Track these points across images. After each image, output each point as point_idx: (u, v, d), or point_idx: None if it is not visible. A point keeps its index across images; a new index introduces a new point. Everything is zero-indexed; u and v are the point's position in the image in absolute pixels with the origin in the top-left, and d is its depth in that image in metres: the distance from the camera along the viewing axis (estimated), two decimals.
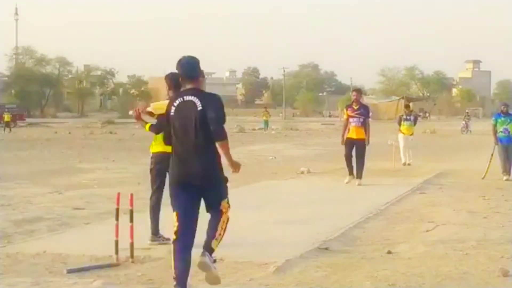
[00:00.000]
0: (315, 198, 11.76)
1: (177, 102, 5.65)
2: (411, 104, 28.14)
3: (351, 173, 13.63)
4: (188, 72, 5.71)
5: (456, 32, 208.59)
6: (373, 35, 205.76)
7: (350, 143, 13.61)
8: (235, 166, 5.80)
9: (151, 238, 7.77)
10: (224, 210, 5.66)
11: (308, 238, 7.88)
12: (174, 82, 6.67)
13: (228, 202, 5.70)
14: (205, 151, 5.54)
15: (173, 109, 5.65)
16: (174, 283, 5.59)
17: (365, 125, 13.63)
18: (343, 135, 13.78)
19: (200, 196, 5.63)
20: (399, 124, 19.44)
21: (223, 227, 5.67)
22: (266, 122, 46.41)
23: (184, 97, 5.63)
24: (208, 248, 5.67)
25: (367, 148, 13.67)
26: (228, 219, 5.71)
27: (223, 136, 5.52)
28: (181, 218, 5.60)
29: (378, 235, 8.33)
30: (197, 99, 5.55)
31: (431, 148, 26.58)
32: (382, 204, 10.87)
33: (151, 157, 7.71)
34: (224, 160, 5.63)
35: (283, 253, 6.98)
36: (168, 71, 7.52)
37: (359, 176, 13.51)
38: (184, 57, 5.78)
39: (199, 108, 5.51)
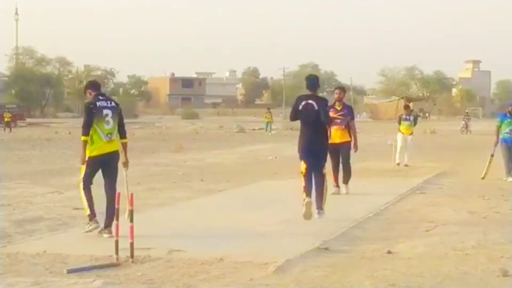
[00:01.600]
0: (315, 198, 11.74)
1: (303, 103, 9.38)
2: (410, 104, 28.04)
3: (338, 185, 12.12)
4: (312, 85, 9.61)
5: (456, 32, 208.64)
6: (373, 35, 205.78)
7: (335, 151, 11.83)
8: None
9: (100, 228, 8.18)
10: (324, 172, 9.49)
11: (308, 238, 7.88)
12: (94, 88, 8.58)
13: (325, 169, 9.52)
14: (319, 132, 9.40)
15: (300, 106, 9.37)
16: (305, 196, 9.10)
17: (349, 128, 12.16)
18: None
19: (313, 157, 9.38)
20: (399, 123, 19.47)
21: (325, 188, 9.50)
22: (269, 124, 44.09)
23: (307, 101, 9.38)
24: (320, 203, 9.34)
25: (358, 153, 12.64)
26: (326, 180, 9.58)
27: (327, 123, 9.65)
28: (308, 165, 9.36)
29: (378, 235, 8.34)
30: (315, 103, 9.33)
31: (431, 148, 26.58)
32: (382, 204, 10.87)
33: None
34: None
35: (283, 253, 6.99)
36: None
37: (346, 181, 12.14)
38: (311, 75, 10.09)
39: (316, 108, 9.29)
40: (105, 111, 8.26)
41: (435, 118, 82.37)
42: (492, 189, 12.84)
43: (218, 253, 7.07)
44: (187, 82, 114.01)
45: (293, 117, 9.62)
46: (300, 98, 9.53)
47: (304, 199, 9.01)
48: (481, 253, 7.31)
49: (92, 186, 8.29)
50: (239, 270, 6.43)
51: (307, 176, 9.34)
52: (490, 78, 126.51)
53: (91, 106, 8.27)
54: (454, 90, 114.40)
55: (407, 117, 19.41)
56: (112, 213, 7.74)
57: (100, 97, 8.43)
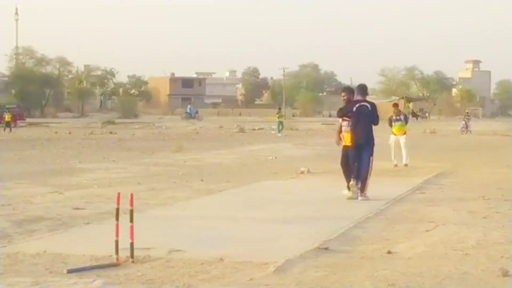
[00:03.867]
0: (315, 198, 11.76)
1: (357, 105, 11.56)
2: (410, 105, 27.33)
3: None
4: (363, 92, 11.99)
5: (456, 32, 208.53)
6: (373, 35, 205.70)
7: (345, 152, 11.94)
8: None
9: None
10: (370, 161, 11.51)
11: (308, 238, 7.88)
12: None
13: (372, 156, 11.63)
14: (369, 129, 11.58)
15: (354, 108, 11.54)
16: (347, 185, 11.49)
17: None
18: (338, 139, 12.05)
19: (361, 149, 11.53)
20: (390, 125, 18.84)
21: (369, 172, 11.54)
22: (281, 124, 42.21)
23: (361, 103, 11.61)
24: (362, 187, 11.44)
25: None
26: (371, 166, 11.62)
27: (377, 124, 11.80)
28: (351, 158, 11.55)
29: (378, 235, 8.33)
30: (368, 105, 11.63)
31: (431, 148, 26.59)
32: (382, 204, 10.87)
33: None
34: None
35: (283, 253, 6.98)
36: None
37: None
38: (362, 84, 12.28)
39: (370, 109, 11.59)
40: None
41: (435, 118, 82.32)
42: (492, 189, 12.84)
43: (218, 253, 7.07)
44: (187, 82, 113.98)
45: (341, 115, 11.88)
46: (354, 102, 11.73)
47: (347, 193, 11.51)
48: (481, 253, 7.31)
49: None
50: (239, 270, 6.43)
51: (346, 170, 11.61)
52: (490, 78, 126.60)
53: None
54: (454, 90, 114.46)
55: (398, 117, 18.87)
56: None
57: None
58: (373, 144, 11.58)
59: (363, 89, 12.04)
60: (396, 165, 18.05)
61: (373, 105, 11.77)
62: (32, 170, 17.21)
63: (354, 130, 11.54)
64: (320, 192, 12.50)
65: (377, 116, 11.77)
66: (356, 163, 11.49)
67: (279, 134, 40.12)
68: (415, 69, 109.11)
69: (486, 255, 7.17)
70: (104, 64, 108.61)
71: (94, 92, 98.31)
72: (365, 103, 11.62)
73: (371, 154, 11.50)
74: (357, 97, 11.84)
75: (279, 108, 47.64)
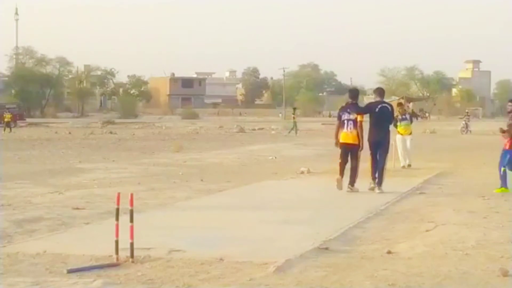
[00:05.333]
0: (315, 198, 11.77)
1: (379, 106, 12.48)
2: (410, 105, 26.99)
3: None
4: (381, 94, 12.92)
5: (456, 32, 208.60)
6: (373, 35, 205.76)
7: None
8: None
9: None
10: (384, 156, 12.53)
11: (308, 238, 7.88)
12: None
13: (387, 153, 12.80)
14: (386, 128, 12.60)
15: (377, 109, 12.43)
16: (371, 180, 12.42)
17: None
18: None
19: (379, 146, 12.41)
20: (395, 125, 18.28)
21: (386, 164, 12.66)
22: (295, 124, 41.51)
23: (382, 104, 12.54)
24: (380, 181, 12.34)
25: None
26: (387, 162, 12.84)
27: (392, 123, 13.48)
28: (374, 152, 12.39)
29: (378, 235, 8.34)
30: (389, 106, 12.67)
31: (431, 148, 26.58)
32: (382, 204, 10.87)
33: None
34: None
35: (283, 253, 6.99)
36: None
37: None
38: (379, 87, 13.91)
39: (390, 110, 12.61)
40: None
41: (435, 118, 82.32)
42: (492, 189, 12.83)
43: (218, 253, 7.07)
44: (187, 82, 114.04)
45: (364, 113, 12.63)
46: (376, 103, 12.71)
47: (370, 183, 12.37)
48: (481, 253, 7.31)
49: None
50: (239, 270, 6.44)
51: (373, 164, 12.36)
52: (490, 78, 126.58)
53: None
54: (454, 90, 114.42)
55: (404, 117, 18.63)
56: None
57: None
58: (388, 142, 12.70)
59: (381, 92, 13.22)
60: (404, 167, 17.76)
61: (391, 106, 12.85)
62: (32, 170, 17.21)
63: (374, 127, 12.47)
64: (320, 192, 12.50)
65: (393, 117, 13.35)
66: (373, 160, 12.39)
67: (295, 134, 39.93)
68: (415, 69, 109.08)
69: (486, 255, 7.17)
70: (104, 64, 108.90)
71: (94, 92, 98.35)
72: (385, 104, 12.68)
73: (387, 152, 12.62)
74: (376, 98, 12.83)
75: (294, 109, 47.39)
